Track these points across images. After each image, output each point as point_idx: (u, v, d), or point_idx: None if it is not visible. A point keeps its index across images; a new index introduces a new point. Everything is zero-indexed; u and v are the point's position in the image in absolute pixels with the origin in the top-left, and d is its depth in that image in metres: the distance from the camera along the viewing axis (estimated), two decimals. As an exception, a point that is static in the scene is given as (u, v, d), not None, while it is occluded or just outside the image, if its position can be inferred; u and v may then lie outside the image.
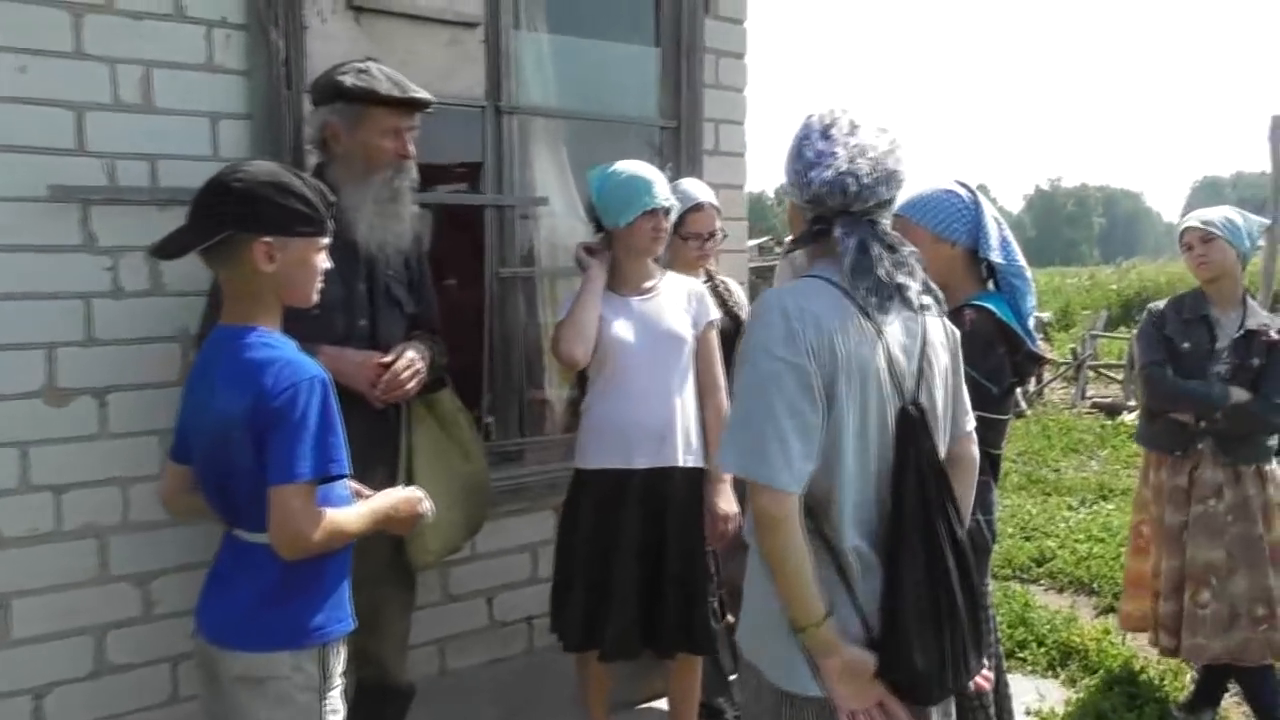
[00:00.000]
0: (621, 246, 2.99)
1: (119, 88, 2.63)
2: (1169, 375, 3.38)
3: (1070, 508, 6.98)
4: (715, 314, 3.11)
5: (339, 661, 2.01)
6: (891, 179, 1.75)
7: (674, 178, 3.63)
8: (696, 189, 3.41)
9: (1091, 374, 13.00)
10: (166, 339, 2.72)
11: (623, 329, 2.93)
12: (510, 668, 3.45)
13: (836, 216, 1.76)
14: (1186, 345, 3.38)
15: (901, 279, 1.75)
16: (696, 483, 2.99)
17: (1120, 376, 12.66)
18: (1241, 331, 3.33)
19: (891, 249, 1.77)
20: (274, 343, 1.92)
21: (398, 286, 2.70)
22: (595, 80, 3.63)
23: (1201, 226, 3.35)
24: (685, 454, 2.96)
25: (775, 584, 1.71)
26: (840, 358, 1.69)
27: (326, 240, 2.00)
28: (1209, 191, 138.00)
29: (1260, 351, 3.29)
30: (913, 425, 1.74)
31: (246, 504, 1.90)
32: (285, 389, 1.83)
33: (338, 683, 2.00)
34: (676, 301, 3.03)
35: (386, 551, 2.64)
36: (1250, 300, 3.42)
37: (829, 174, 1.72)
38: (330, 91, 2.55)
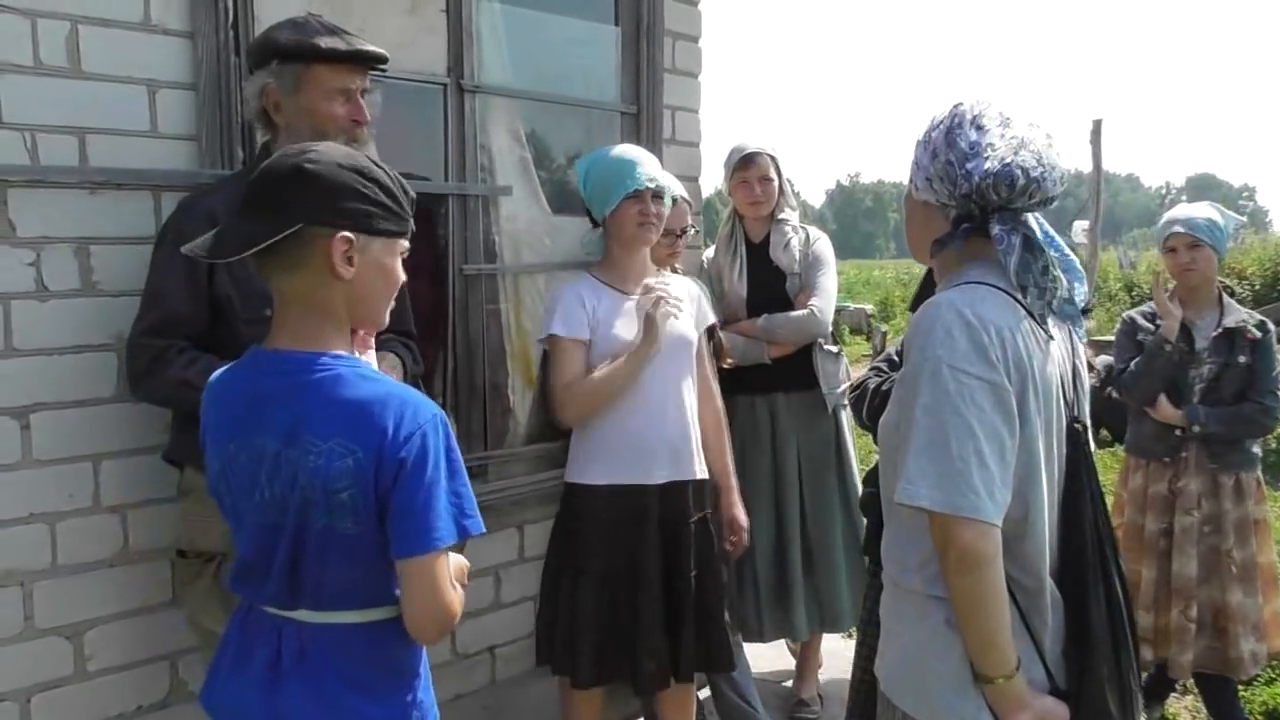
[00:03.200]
0: (613, 239, 2.76)
1: (40, 46, 2.19)
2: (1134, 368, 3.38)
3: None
4: (713, 317, 2.93)
5: None
6: (1056, 173, 1.58)
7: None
8: (669, 182, 3.19)
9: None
10: (100, 347, 2.30)
11: (628, 330, 2.70)
12: (474, 703, 3.14)
13: (992, 214, 1.58)
14: (1166, 349, 3.36)
15: (1057, 284, 1.60)
16: (705, 494, 2.80)
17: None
18: (1220, 329, 3.32)
19: (1044, 250, 1.60)
20: (371, 373, 1.54)
21: None
22: (556, 59, 3.34)
23: (1189, 233, 3.31)
24: (699, 465, 2.76)
25: (964, 630, 1.51)
26: (1027, 371, 1.52)
27: (406, 244, 1.61)
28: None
29: (1245, 349, 3.28)
30: (1082, 444, 1.59)
31: (335, 577, 1.53)
32: (412, 434, 1.47)
33: None
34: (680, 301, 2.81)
35: None
36: (1227, 297, 3.42)
37: (993, 165, 1.54)
38: (265, 51, 2.18)
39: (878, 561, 2.61)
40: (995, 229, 1.57)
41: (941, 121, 1.64)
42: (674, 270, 3.32)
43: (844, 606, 3.53)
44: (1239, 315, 3.36)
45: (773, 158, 3.58)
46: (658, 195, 2.74)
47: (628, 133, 3.52)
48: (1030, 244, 1.58)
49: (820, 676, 3.80)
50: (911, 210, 1.73)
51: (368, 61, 2.25)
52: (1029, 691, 1.53)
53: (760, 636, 3.60)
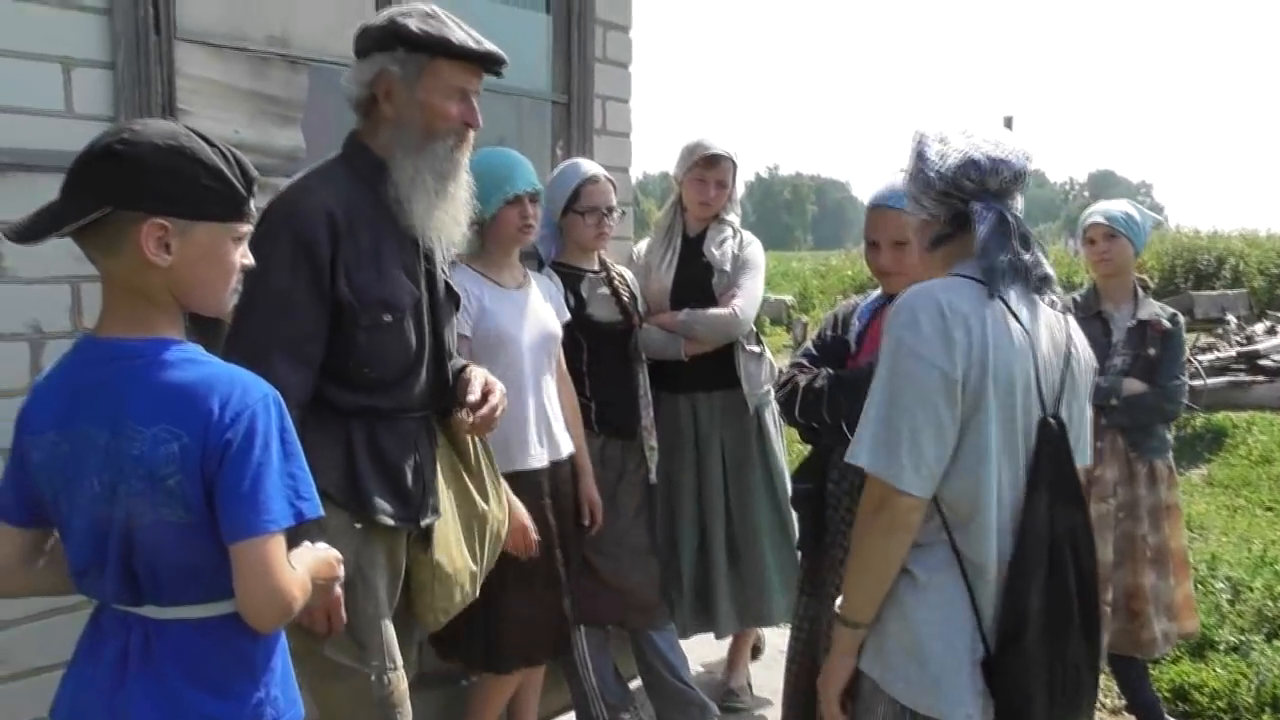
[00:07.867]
0: (492, 239, 2.84)
1: (-55, 19, 2.09)
2: None
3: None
4: (566, 314, 3.08)
5: None
6: (1020, 152, 1.74)
7: (565, 157, 3.39)
8: (587, 164, 3.23)
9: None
10: (12, 336, 2.21)
11: (511, 322, 2.81)
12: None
13: (972, 200, 1.72)
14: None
15: (1033, 263, 1.72)
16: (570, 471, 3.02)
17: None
18: (1134, 322, 3.43)
19: (1025, 235, 1.74)
20: (198, 356, 1.50)
21: (452, 285, 2.35)
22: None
23: (1106, 224, 3.41)
24: (566, 444, 2.97)
25: (854, 575, 1.72)
26: (990, 364, 1.64)
27: (247, 228, 1.56)
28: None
29: (1155, 341, 3.39)
30: (1051, 439, 1.69)
31: (170, 570, 1.48)
32: (238, 414, 1.43)
33: None
34: (541, 295, 2.97)
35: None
36: (1141, 292, 3.53)
37: (957, 158, 1.71)
38: (387, 37, 2.10)
39: (810, 557, 2.65)
40: (975, 206, 1.71)
41: (911, 150, 1.81)
42: (603, 263, 3.30)
43: (772, 601, 3.53)
44: (1153, 309, 3.48)
45: (735, 164, 3.51)
46: (534, 198, 2.85)
47: (559, 122, 3.51)
48: (1003, 220, 1.71)
49: (753, 667, 3.84)
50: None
51: (492, 64, 2.19)
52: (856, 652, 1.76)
53: (684, 633, 3.59)
